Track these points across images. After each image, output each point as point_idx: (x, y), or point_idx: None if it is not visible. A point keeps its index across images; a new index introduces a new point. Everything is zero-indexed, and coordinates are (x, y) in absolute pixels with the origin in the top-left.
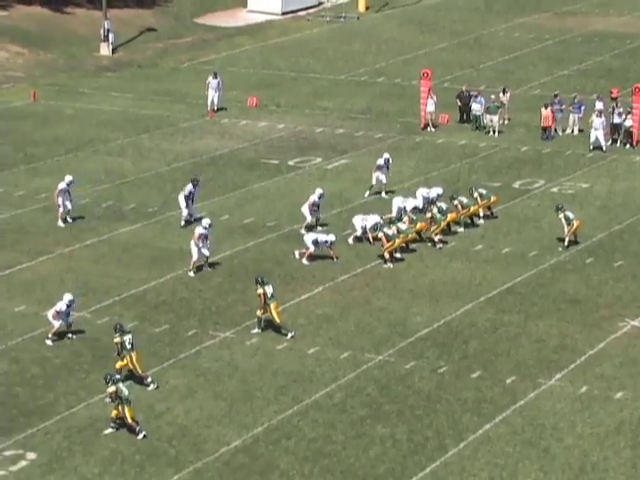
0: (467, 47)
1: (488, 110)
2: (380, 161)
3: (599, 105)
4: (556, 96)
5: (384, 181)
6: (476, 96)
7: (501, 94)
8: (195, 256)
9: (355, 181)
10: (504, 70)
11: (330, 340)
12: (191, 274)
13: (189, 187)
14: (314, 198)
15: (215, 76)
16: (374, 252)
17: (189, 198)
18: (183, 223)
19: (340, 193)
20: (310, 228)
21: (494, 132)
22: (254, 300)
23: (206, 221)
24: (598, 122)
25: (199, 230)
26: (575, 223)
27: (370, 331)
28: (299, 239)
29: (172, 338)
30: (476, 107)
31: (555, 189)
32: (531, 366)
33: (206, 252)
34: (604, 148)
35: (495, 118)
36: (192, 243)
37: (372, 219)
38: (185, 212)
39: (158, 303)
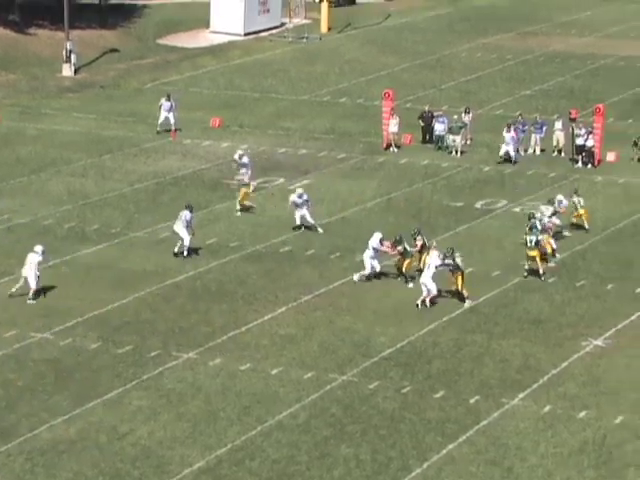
0: (429, 67)
1: (451, 130)
2: (294, 197)
3: (559, 125)
4: (519, 115)
5: (308, 217)
6: (439, 116)
7: (463, 114)
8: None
9: (317, 201)
10: (466, 90)
11: (294, 360)
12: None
13: (186, 214)
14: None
15: (168, 98)
16: (337, 272)
17: (189, 226)
18: (186, 253)
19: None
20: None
21: (456, 152)
22: (216, 321)
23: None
24: (508, 137)
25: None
26: (582, 211)
27: (334, 351)
28: (261, 259)
29: (135, 359)
30: (439, 127)
31: (517, 209)
32: (495, 386)
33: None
34: (513, 159)
35: (458, 138)
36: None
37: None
38: (187, 241)
39: (121, 324)
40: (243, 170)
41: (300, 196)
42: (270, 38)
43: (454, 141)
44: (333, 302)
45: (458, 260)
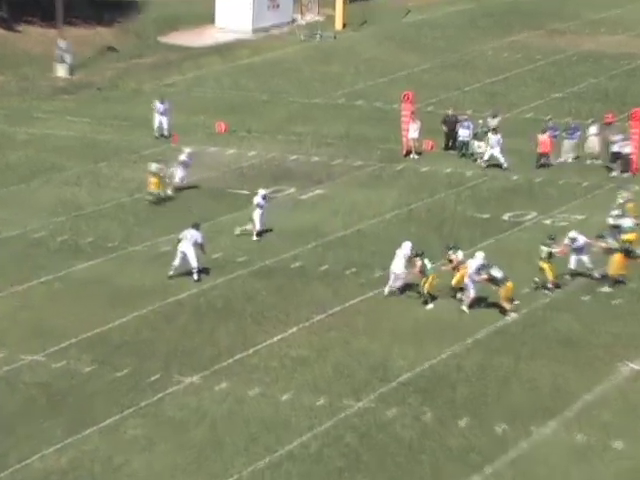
0: (452, 67)
1: (476, 136)
2: (258, 199)
3: (593, 130)
4: (549, 120)
5: (257, 223)
6: (463, 121)
7: (490, 118)
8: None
9: (332, 213)
10: (492, 92)
11: (306, 385)
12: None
13: (194, 234)
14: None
15: (162, 100)
16: (353, 289)
17: (200, 246)
18: (196, 277)
19: (315, 226)
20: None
21: (482, 160)
22: (222, 341)
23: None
24: (494, 140)
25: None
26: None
27: (349, 375)
28: (271, 275)
29: (133, 383)
30: (463, 133)
31: (548, 221)
32: (523, 412)
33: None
34: (504, 166)
35: (483, 145)
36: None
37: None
38: (196, 262)
39: (118, 345)
40: (180, 170)
41: (264, 197)
42: (281, 36)
43: (479, 147)
44: (348, 322)
45: (495, 271)
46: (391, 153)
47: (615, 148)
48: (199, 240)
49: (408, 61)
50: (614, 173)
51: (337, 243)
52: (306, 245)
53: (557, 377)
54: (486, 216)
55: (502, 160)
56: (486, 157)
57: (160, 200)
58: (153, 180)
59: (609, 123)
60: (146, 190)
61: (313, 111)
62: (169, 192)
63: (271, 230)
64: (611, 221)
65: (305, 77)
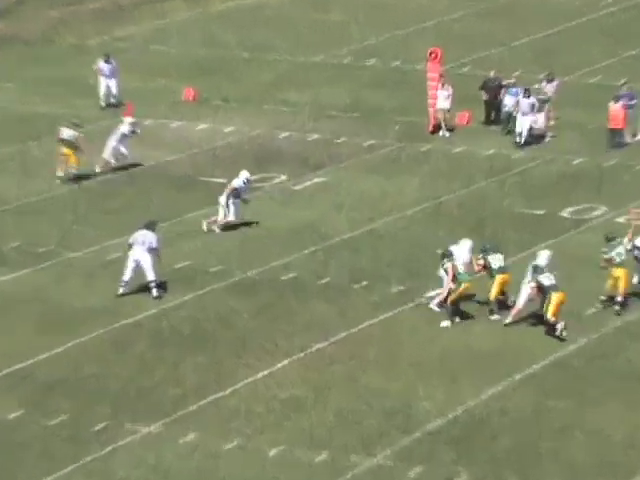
0: (493, 16)
1: (533, 107)
2: (238, 182)
3: None
4: (624, 84)
5: (231, 214)
6: (509, 86)
7: (544, 83)
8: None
9: (335, 208)
10: (547, 49)
11: (300, 436)
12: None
13: (148, 237)
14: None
15: (107, 59)
16: (363, 309)
17: (155, 252)
18: (156, 293)
19: (313, 225)
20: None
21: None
22: (190, 378)
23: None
24: (525, 105)
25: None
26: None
27: (357, 422)
28: (255, 290)
29: (73, 433)
30: (509, 101)
31: (621, 219)
32: (587, 471)
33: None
34: (520, 140)
35: (540, 118)
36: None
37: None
38: (153, 275)
39: (52, 383)
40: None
41: (247, 182)
42: None
43: (535, 123)
44: (357, 352)
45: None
46: (413, 129)
47: None
48: (154, 244)
49: (434, 6)
50: None
51: (342, 248)
52: (302, 250)
53: (632, 427)
54: (540, 212)
55: (525, 133)
56: (519, 129)
57: (78, 180)
58: (66, 152)
59: None
60: (57, 169)
61: (310, 73)
62: (97, 169)
63: (251, 226)
64: None
65: (298, 28)
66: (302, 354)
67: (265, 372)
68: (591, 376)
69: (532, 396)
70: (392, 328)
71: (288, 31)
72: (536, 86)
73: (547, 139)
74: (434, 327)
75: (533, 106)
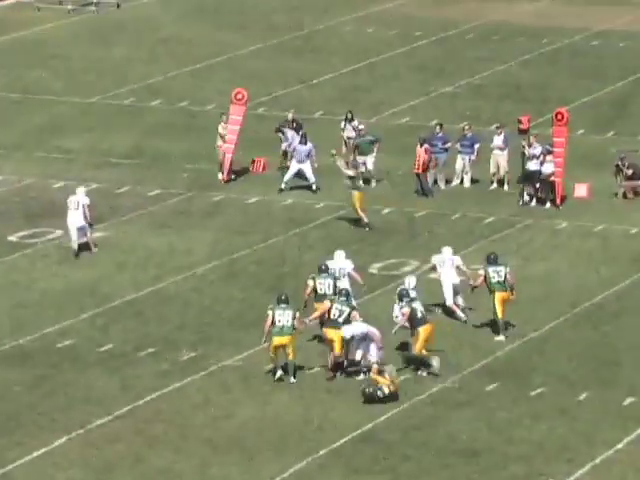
0: (293, 51)
1: (358, 149)
2: None
3: (498, 141)
4: (439, 126)
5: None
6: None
7: (344, 122)
8: None
9: (117, 266)
10: (353, 86)
11: None
12: None
13: None
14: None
15: None
16: (149, 378)
17: None
18: None
19: (93, 286)
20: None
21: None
22: None
23: None
24: (302, 151)
25: None
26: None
27: None
28: (27, 361)
29: None
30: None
31: (436, 274)
32: None
33: None
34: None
35: (368, 160)
36: None
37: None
38: None
39: None
40: None
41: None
42: (38, 5)
43: (363, 164)
44: (143, 428)
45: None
46: (204, 176)
47: (532, 166)
48: None
49: (229, 40)
50: (530, 203)
51: (126, 311)
52: (80, 314)
53: None
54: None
55: (312, 180)
56: (287, 177)
57: None
58: None
59: (523, 131)
60: None
61: (88, 116)
62: None
63: (22, 292)
64: None
65: (75, 66)
66: (82, 430)
67: (40, 451)
68: (408, 451)
69: (340, 475)
70: (183, 400)
71: (64, 70)
72: (355, 123)
73: (373, 184)
74: (229, 397)
75: (309, 153)
